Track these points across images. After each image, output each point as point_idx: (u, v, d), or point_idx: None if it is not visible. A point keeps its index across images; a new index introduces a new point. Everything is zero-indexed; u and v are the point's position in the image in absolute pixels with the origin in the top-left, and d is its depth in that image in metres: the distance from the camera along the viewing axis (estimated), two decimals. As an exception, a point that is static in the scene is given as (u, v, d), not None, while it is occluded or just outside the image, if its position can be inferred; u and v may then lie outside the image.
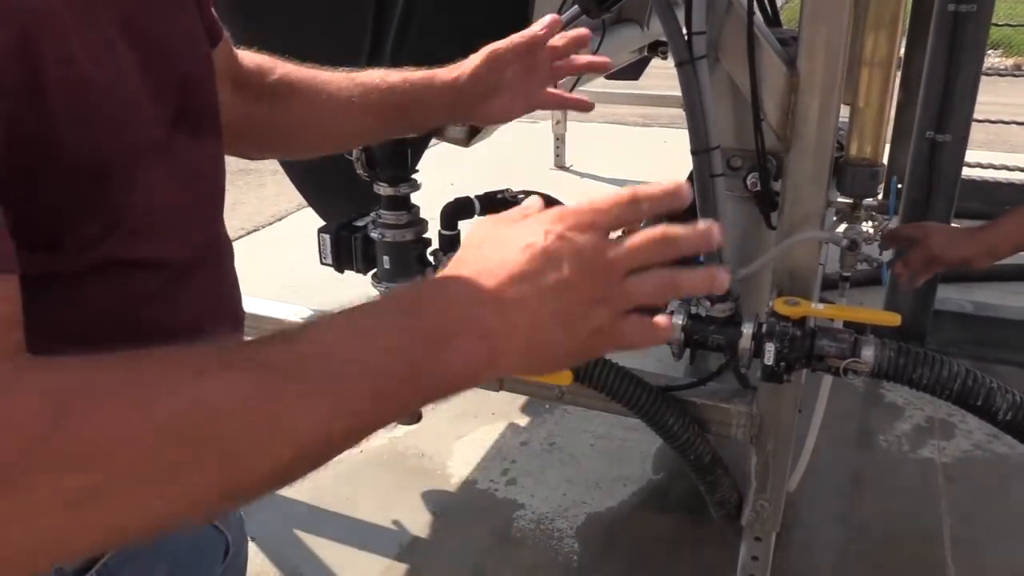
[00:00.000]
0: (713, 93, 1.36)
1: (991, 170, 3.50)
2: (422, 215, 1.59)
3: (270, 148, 0.91)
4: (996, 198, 3.30)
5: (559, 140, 4.66)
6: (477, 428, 2.39)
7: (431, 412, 2.24)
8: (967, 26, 2.36)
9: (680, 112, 1.63)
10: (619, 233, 0.52)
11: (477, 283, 0.48)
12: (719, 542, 1.81)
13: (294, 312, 1.77)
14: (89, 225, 0.54)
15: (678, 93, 1.39)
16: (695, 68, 1.33)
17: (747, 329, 1.33)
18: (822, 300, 1.43)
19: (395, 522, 2.03)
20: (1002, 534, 1.96)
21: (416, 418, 1.73)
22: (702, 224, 0.51)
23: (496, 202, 1.65)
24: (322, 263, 1.65)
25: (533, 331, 0.48)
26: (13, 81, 0.45)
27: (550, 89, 0.97)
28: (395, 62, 0.98)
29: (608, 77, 2.86)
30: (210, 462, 0.41)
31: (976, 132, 2.59)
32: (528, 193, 1.75)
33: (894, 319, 1.27)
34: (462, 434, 2.37)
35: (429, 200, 1.61)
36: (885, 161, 1.42)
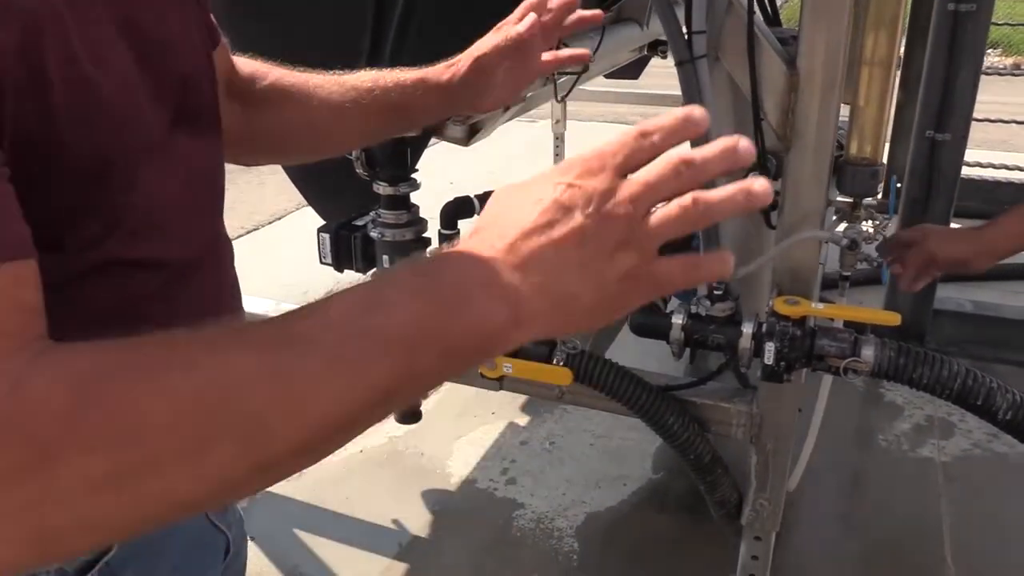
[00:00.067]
0: (713, 92, 1.36)
1: (991, 169, 3.50)
2: (422, 214, 1.59)
3: (265, 154, 0.91)
4: (996, 197, 3.30)
5: (559, 139, 4.65)
6: (477, 427, 2.39)
7: (431, 411, 2.24)
8: (967, 25, 2.36)
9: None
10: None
11: (492, 244, 0.47)
12: (719, 541, 1.80)
13: (294, 311, 1.77)
14: (89, 225, 0.54)
15: (678, 92, 1.39)
16: (695, 67, 1.33)
17: (747, 328, 1.33)
18: (822, 299, 1.43)
19: (395, 521, 2.03)
20: (1001, 533, 1.96)
21: (416, 417, 1.73)
22: (723, 140, 0.47)
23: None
24: (322, 262, 1.65)
25: (556, 285, 0.46)
26: (15, 80, 0.45)
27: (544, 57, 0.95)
28: (395, 62, 0.97)
29: (608, 76, 2.85)
30: (233, 436, 0.41)
31: (975, 131, 2.59)
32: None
33: (894, 318, 1.27)
34: (462, 433, 2.37)
35: (429, 199, 1.61)
36: (885, 160, 1.42)
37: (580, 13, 0.96)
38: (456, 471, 2.21)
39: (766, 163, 1.38)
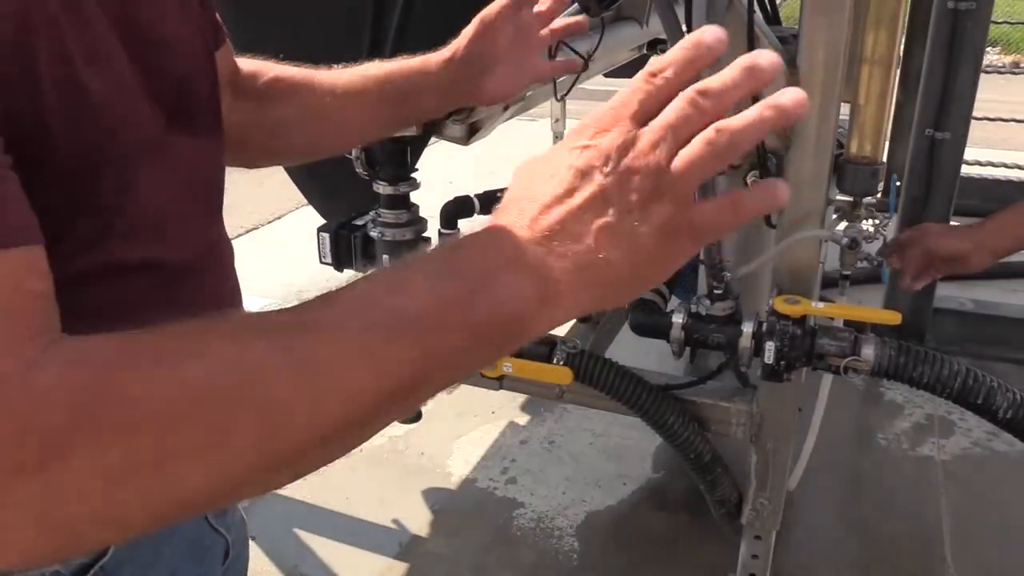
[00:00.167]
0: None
1: (990, 168, 3.50)
2: (422, 214, 1.59)
3: (273, 151, 0.89)
4: (995, 195, 3.30)
5: (558, 138, 4.65)
6: (477, 427, 2.39)
7: (431, 411, 2.24)
8: (966, 24, 2.36)
9: (680, 110, 1.63)
10: None
11: (514, 220, 0.45)
12: (719, 540, 1.81)
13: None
14: (84, 226, 0.53)
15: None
16: (695, 66, 1.32)
17: (747, 328, 1.33)
18: (822, 299, 1.43)
19: (395, 521, 2.03)
20: (1001, 531, 1.96)
21: (416, 417, 1.73)
22: (742, 59, 0.42)
23: (496, 201, 1.64)
24: (321, 262, 1.64)
25: (585, 255, 0.44)
26: (7, 78, 0.45)
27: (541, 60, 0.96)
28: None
29: (607, 75, 2.85)
30: (252, 425, 0.40)
31: (975, 129, 2.59)
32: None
33: (894, 317, 1.27)
34: (462, 433, 2.37)
35: (429, 199, 1.61)
36: (885, 159, 1.42)
37: (572, 19, 0.97)
38: (456, 470, 2.21)
39: (766, 162, 1.38)
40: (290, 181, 2.26)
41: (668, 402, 1.45)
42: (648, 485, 2.16)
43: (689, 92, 0.43)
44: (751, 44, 1.28)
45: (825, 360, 1.26)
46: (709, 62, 0.43)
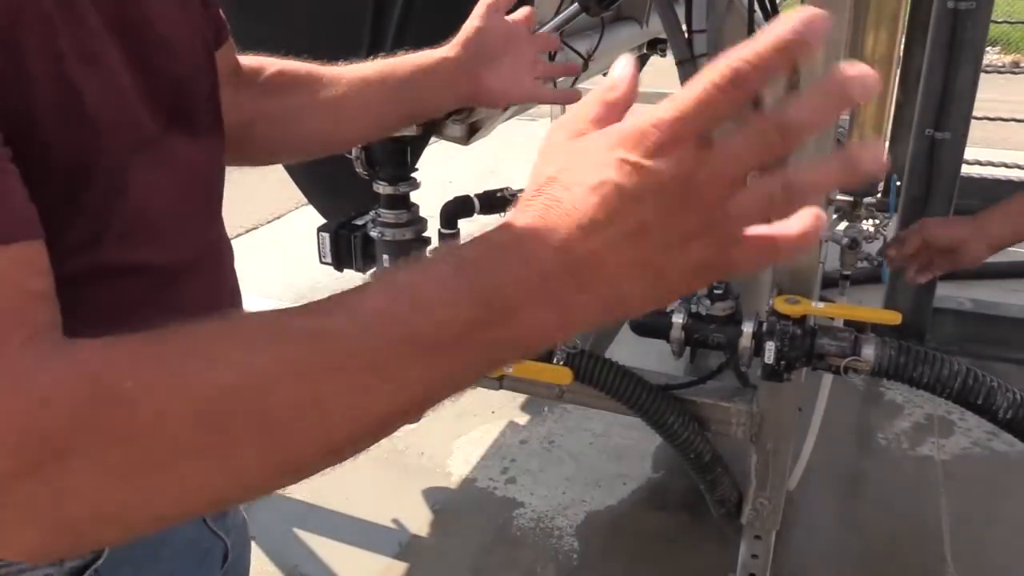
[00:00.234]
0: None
1: (990, 167, 3.50)
2: (421, 213, 1.59)
3: (278, 144, 0.88)
4: (995, 195, 3.29)
5: (558, 138, 4.66)
6: (477, 427, 2.39)
7: (431, 411, 2.24)
8: (966, 23, 2.35)
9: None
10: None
11: (544, 237, 0.41)
12: (719, 540, 1.81)
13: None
14: (77, 228, 0.53)
15: (677, 91, 1.39)
16: (696, 66, 1.33)
17: (747, 328, 1.33)
18: (822, 299, 1.43)
19: (395, 521, 2.03)
20: (1001, 531, 1.96)
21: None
22: (826, 83, 0.37)
23: (495, 201, 1.64)
24: (321, 262, 1.64)
25: (611, 287, 0.41)
26: (1, 73, 0.45)
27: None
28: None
29: (607, 75, 2.85)
30: (256, 439, 0.39)
31: (974, 129, 2.59)
32: (527, 191, 1.74)
33: (894, 317, 1.27)
34: (462, 432, 2.37)
35: (428, 198, 1.61)
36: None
37: (567, 64, 0.99)
38: (456, 470, 2.21)
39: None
40: (290, 180, 2.26)
41: (668, 402, 1.45)
42: (648, 485, 2.16)
43: (770, 128, 0.38)
44: (751, 44, 1.28)
45: (825, 360, 1.26)
46: (806, 57, 0.37)
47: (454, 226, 1.59)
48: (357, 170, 1.51)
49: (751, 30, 1.28)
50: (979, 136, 3.03)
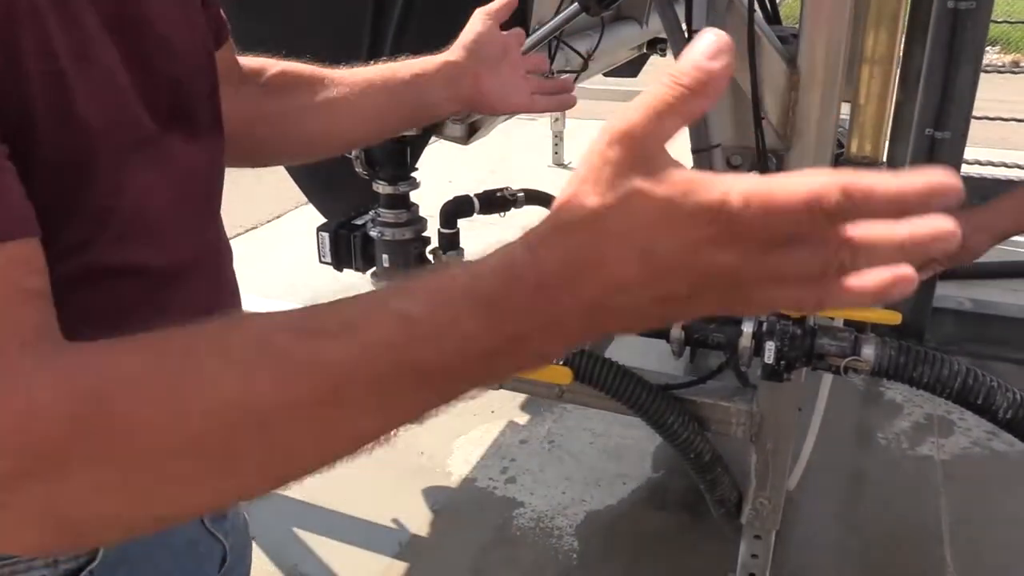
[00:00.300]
0: (713, 91, 1.35)
1: (990, 167, 3.50)
2: (421, 213, 1.59)
3: (280, 144, 0.88)
4: (995, 195, 3.29)
5: (557, 137, 4.66)
6: (477, 426, 2.39)
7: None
8: (966, 23, 2.35)
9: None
10: None
11: (573, 289, 0.39)
12: (719, 540, 1.80)
13: (293, 311, 1.77)
14: (74, 228, 0.52)
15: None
16: (695, 66, 1.32)
17: (747, 327, 1.33)
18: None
19: (394, 520, 2.03)
20: (1000, 531, 1.96)
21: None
22: (934, 221, 0.34)
23: (495, 200, 1.64)
24: (321, 262, 1.64)
25: (623, 328, 0.41)
26: None
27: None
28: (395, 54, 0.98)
29: (607, 74, 2.85)
30: (253, 462, 0.40)
31: (974, 129, 2.59)
32: (527, 191, 1.74)
33: (894, 317, 1.27)
34: (461, 432, 2.37)
35: (428, 198, 1.61)
36: (885, 159, 1.42)
37: (562, 98, 1.01)
38: (456, 470, 2.21)
39: (767, 162, 1.38)
40: (290, 180, 2.26)
41: (668, 402, 1.45)
42: (648, 484, 2.16)
43: (844, 248, 0.35)
44: (751, 43, 1.28)
45: (825, 360, 1.26)
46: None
47: (453, 225, 1.59)
48: (357, 170, 1.51)
49: (751, 29, 1.28)
50: (979, 136, 3.03)
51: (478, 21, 0.93)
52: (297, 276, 3.18)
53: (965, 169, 2.79)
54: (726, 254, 0.36)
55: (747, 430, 1.47)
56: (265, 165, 0.91)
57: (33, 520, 0.38)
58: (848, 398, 2.45)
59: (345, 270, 1.65)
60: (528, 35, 1.34)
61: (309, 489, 2.10)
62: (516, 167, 4.43)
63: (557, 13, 1.36)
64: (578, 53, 1.64)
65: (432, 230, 1.61)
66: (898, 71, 1.35)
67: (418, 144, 1.51)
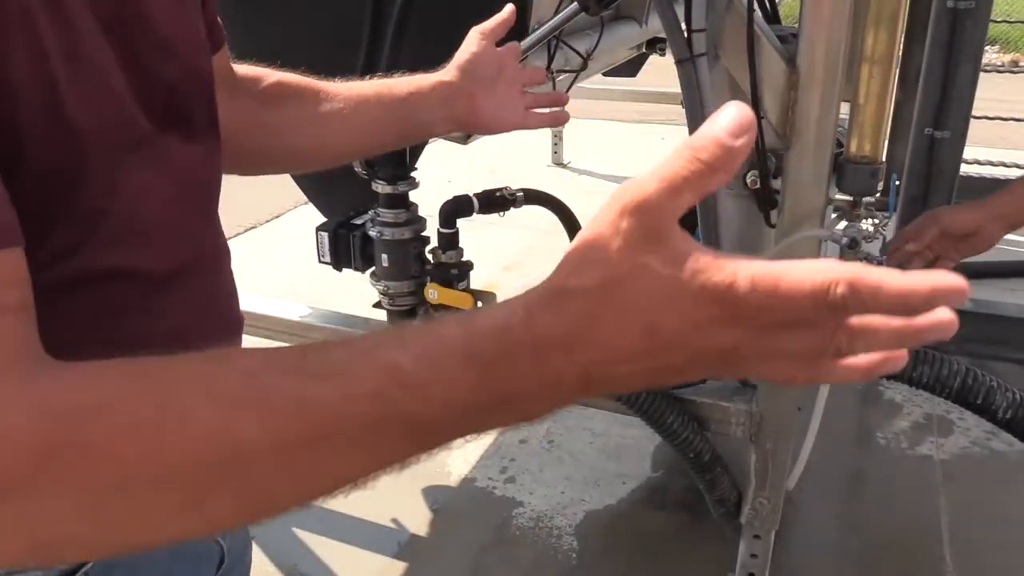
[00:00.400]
0: (712, 90, 1.35)
1: (989, 167, 3.50)
2: (420, 213, 1.59)
3: (274, 154, 0.88)
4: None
5: (556, 137, 4.66)
6: (476, 426, 2.39)
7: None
8: (966, 23, 2.35)
9: (677, 109, 1.63)
10: None
11: (572, 357, 0.39)
12: (718, 540, 1.80)
13: (293, 311, 1.77)
14: (65, 232, 0.52)
15: (676, 90, 1.38)
16: (695, 65, 1.32)
17: (747, 327, 1.33)
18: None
19: (394, 520, 2.03)
20: (1000, 531, 1.96)
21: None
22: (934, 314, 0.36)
23: (494, 200, 1.64)
24: (320, 261, 1.64)
25: (605, 392, 0.41)
26: None
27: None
28: (392, 64, 0.98)
29: (606, 74, 2.85)
30: (228, 497, 0.40)
31: (974, 128, 2.59)
32: (526, 191, 1.74)
33: (894, 317, 1.26)
34: (461, 432, 2.36)
35: (428, 198, 1.61)
36: (884, 158, 1.42)
37: (556, 112, 1.02)
38: (455, 470, 2.21)
39: (766, 162, 1.38)
40: (289, 180, 2.26)
41: (667, 401, 1.45)
42: (647, 484, 2.15)
43: (842, 337, 0.37)
44: (751, 43, 1.28)
45: (825, 360, 1.25)
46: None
47: (453, 225, 1.59)
48: (356, 169, 1.51)
49: (750, 29, 1.28)
50: (979, 135, 3.03)
51: (473, 41, 0.93)
52: (296, 276, 3.18)
53: (964, 168, 2.79)
54: (727, 334, 0.37)
55: (747, 430, 1.47)
56: (256, 174, 0.90)
57: (7, 537, 0.38)
58: (848, 398, 2.45)
59: (344, 270, 1.65)
60: (528, 35, 1.34)
61: (308, 489, 2.10)
62: (515, 167, 4.43)
63: (556, 13, 1.37)
64: (577, 53, 1.64)
65: (431, 230, 1.61)
66: (897, 70, 1.34)
67: (417, 144, 1.50)
